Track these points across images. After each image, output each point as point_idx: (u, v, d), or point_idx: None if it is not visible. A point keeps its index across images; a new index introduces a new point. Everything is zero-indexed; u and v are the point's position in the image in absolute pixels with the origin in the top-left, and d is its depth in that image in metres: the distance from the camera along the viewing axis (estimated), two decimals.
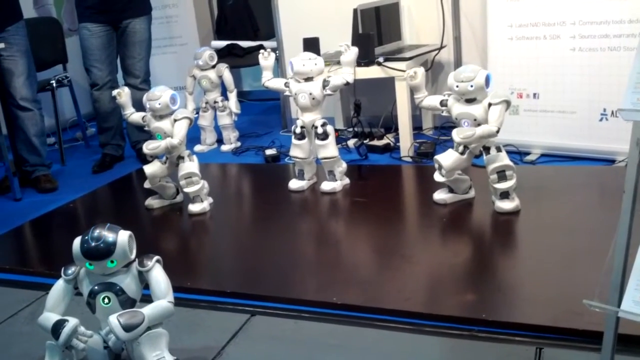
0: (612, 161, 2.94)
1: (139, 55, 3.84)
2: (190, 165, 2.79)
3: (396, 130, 3.53)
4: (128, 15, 3.75)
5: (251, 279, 2.20)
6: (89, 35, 3.75)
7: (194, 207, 2.81)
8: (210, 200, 2.90)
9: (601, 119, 2.99)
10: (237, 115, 4.01)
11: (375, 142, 3.61)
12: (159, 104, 2.74)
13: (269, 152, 3.68)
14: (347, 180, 2.97)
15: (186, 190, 2.78)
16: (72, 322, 1.54)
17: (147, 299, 1.61)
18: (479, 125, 2.41)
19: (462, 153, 2.48)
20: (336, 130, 3.92)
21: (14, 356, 1.83)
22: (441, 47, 3.64)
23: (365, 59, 3.35)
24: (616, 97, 2.92)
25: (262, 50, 3.11)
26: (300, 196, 2.94)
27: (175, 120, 2.75)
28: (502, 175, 2.39)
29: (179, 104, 2.80)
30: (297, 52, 3.61)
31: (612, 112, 2.94)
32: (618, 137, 2.92)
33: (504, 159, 2.41)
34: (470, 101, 2.44)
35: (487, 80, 2.39)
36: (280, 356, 1.70)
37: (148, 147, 2.74)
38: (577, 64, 3.00)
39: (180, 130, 2.74)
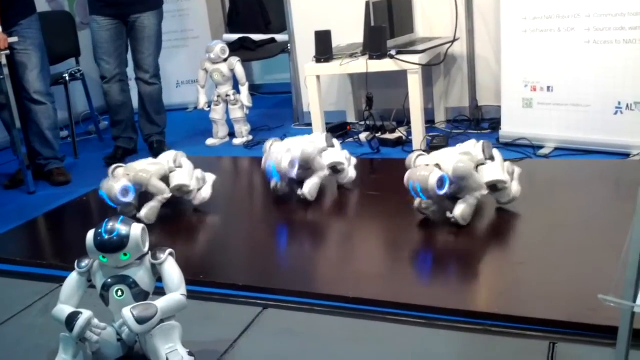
0: (627, 155, 2.91)
1: (147, 50, 3.83)
2: (180, 176, 2.71)
3: (408, 123, 3.52)
4: (136, 9, 3.75)
5: (264, 272, 2.21)
6: (97, 29, 3.77)
7: (195, 201, 2.80)
8: (209, 191, 2.83)
9: (616, 112, 2.96)
10: (248, 108, 4.02)
11: (388, 136, 3.60)
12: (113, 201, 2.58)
13: None
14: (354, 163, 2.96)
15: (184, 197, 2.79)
16: (86, 314, 1.55)
17: (160, 291, 1.62)
18: None
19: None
20: (348, 124, 3.95)
21: (28, 348, 1.84)
22: (454, 40, 3.62)
23: (377, 52, 3.34)
24: (631, 90, 2.89)
25: None
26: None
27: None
28: (494, 188, 2.36)
29: (131, 196, 2.58)
30: (309, 45, 3.61)
31: (627, 106, 2.92)
32: (633, 130, 2.90)
33: (497, 174, 2.33)
34: None
35: (442, 183, 2.19)
36: (292, 349, 1.70)
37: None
38: (592, 56, 2.98)
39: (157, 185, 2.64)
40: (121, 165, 2.69)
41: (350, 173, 2.87)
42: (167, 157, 2.75)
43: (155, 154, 3.88)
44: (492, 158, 2.35)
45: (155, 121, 3.99)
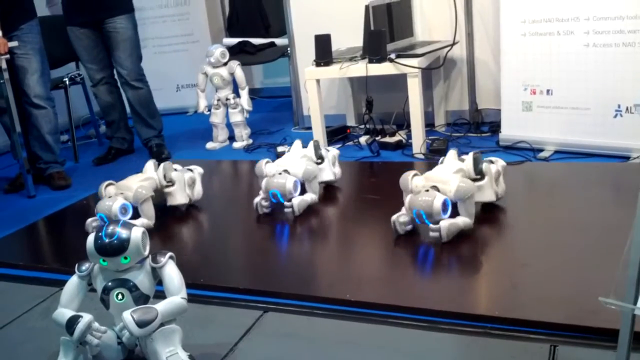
0: (627, 158, 2.92)
1: (123, 53, 3.83)
2: (176, 197, 2.80)
3: (408, 127, 3.52)
4: (105, 15, 3.77)
5: (264, 275, 2.21)
6: (74, 38, 3.86)
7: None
8: (200, 188, 2.91)
9: (615, 115, 2.96)
10: (248, 112, 4.02)
11: (387, 139, 3.60)
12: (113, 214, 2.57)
13: (280, 149, 3.68)
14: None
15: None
16: (86, 317, 1.55)
17: (160, 295, 1.62)
18: None
19: None
20: (348, 128, 3.96)
21: (29, 351, 1.84)
22: (454, 44, 3.63)
23: (377, 55, 3.34)
24: (631, 93, 2.90)
25: None
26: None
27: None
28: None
29: (130, 213, 2.62)
30: (309, 49, 3.62)
31: (627, 108, 2.92)
32: (633, 133, 2.90)
33: (487, 195, 2.36)
34: None
35: (445, 206, 2.19)
36: (293, 353, 1.70)
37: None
38: (591, 59, 2.98)
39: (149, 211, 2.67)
40: (112, 183, 2.71)
41: (336, 170, 2.91)
42: (156, 170, 2.79)
43: (155, 158, 3.91)
44: (481, 173, 2.37)
45: (151, 125, 4.00)
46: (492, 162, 2.46)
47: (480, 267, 2.08)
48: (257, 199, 2.71)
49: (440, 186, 2.22)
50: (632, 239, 1.14)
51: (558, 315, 1.68)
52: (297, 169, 2.67)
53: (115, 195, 2.61)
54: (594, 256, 2.00)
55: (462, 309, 1.78)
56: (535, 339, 1.62)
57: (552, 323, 1.66)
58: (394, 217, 2.31)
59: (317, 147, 2.84)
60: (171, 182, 2.79)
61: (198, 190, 2.90)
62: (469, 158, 2.38)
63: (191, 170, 2.92)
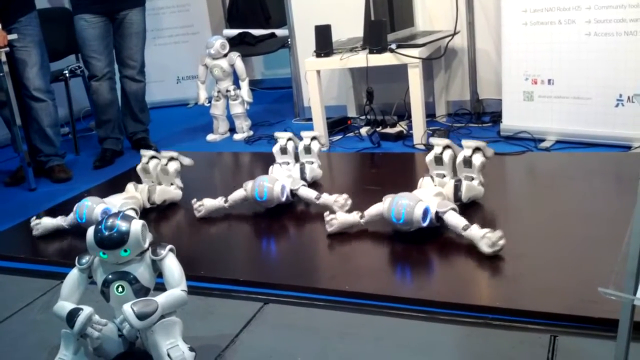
0: (628, 147, 2.91)
1: (135, 46, 3.84)
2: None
3: (409, 117, 3.52)
4: (125, 6, 3.75)
5: (264, 267, 2.21)
6: (86, 26, 3.72)
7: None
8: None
9: (617, 105, 2.95)
10: (249, 104, 4.02)
11: (388, 130, 3.60)
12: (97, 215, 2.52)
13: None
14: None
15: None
16: (86, 310, 1.55)
17: (160, 287, 1.62)
18: None
19: None
20: (349, 119, 3.95)
21: (30, 344, 1.85)
22: (455, 33, 3.61)
23: (377, 46, 3.33)
24: (632, 82, 2.88)
25: None
26: (313, 185, 2.93)
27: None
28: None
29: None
30: (310, 40, 3.61)
31: (628, 98, 2.91)
32: (634, 123, 2.89)
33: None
34: None
35: (425, 214, 2.16)
36: (293, 344, 1.70)
37: None
38: (593, 49, 2.97)
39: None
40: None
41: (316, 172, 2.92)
42: (137, 190, 2.77)
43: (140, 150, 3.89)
44: (460, 200, 2.35)
45: (140, 119, 4.00)
46: (479, 148, 2.43)
47: (480, 257, 2.07)
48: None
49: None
50: (631, 229, 1.13)
51: (558, 306, 1.68)
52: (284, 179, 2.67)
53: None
54: (595, 246, 2.00)
55: (461, 300, 1.78)
56: (535, 329, 1.62)
57: (552, 313, 1.66)
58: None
59: (302, 170, 2.85)
60: (154, 205, 2.79)
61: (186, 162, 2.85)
62: (449, 184, 2.37)
63: (174, 158, 2.88)
